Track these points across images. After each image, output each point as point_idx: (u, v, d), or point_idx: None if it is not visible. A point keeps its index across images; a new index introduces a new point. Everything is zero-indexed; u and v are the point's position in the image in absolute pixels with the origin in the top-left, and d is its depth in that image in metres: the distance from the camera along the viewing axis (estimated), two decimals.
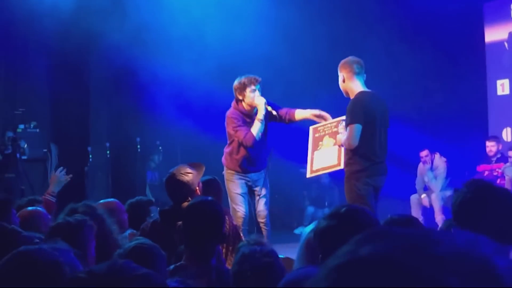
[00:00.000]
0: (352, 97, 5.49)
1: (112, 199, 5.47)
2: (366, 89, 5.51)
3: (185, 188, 4.55)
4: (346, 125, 5.51)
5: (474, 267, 0.76)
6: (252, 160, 6.45)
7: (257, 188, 6.47)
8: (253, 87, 6.29)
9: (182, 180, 4.56)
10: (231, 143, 6.51)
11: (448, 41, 10.57)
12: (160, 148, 11.40)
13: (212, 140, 9.39)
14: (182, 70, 9.75)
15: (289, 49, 9.64)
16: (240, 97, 6.35)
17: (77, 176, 9.37)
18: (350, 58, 5.57)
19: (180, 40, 9.69)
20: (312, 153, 5.97)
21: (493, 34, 10.84)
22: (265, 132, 6.49)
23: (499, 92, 10.80)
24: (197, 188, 4.63)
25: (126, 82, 9.92)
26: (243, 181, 6.45)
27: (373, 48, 10.36)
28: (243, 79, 6.33)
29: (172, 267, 3.12)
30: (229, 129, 6.45)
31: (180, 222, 3.52)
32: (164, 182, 4.78)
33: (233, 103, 6.48)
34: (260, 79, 6.37)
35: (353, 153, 5.44)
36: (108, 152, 9.53)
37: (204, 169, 4.79)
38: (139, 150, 9.64)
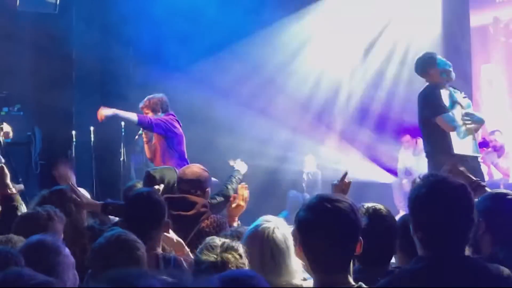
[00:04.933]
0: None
1: None
2: None
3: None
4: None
5: None
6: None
7: None
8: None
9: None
10: None
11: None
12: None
13: (197, 124, 9.40)
14: (164, 53, 9.77)
15: None
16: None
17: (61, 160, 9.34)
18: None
19: (165, 19, 9.73)
20: None
21: (478, 18, 10.84)
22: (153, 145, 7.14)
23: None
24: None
25: (111, 66, 9.89)
26: None
27: None
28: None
29: None
30: None
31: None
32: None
33: None
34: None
35: None
36: (92, 136, 9.49)
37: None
38: (123, 133, 9.60)
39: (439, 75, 6.25)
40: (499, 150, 9.24)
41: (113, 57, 9.63)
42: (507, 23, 10.51)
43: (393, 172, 10.47)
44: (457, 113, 6.18)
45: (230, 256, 2.62)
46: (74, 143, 9.43)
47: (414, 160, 9.95)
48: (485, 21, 10.74)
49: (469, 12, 10.88)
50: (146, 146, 7.31)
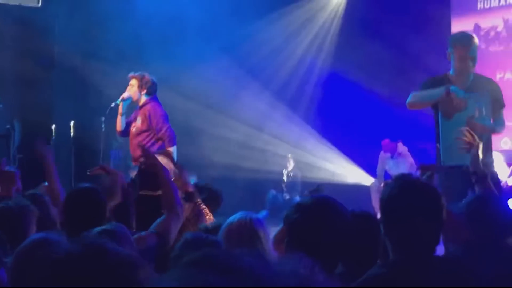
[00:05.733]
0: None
1: None
2: None
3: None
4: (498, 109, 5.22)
5: None
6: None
7: None
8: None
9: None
10: None
11: (415, 31, 10.65)
12: None
13: (175, 122, 9.38)
14: (146, 50, 9.74)
15: None
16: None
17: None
18: None
19: (147, 16, 9.71)
20: None
21: (460, 25, 10.92)
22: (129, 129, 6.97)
23: None
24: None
25: (92, 61, 9.85)
26: None
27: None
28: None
29: None
30: None
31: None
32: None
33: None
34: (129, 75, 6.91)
35: None
36: (71, 130, 9.43)
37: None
38: (103, 129, 9.54)
39: (455, 59, 5.31)
40: None
41: (95, 52, 9.60)
42: (488, 31, 10.63)
43: (371, 174, 10.55)
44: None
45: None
46: (54, 137, 9.36)
47: (393, 163, 10.03)
48: (466, 28, 10.81)
49: (450, 19, 10.99)
50: (119, 118, 7.08)
